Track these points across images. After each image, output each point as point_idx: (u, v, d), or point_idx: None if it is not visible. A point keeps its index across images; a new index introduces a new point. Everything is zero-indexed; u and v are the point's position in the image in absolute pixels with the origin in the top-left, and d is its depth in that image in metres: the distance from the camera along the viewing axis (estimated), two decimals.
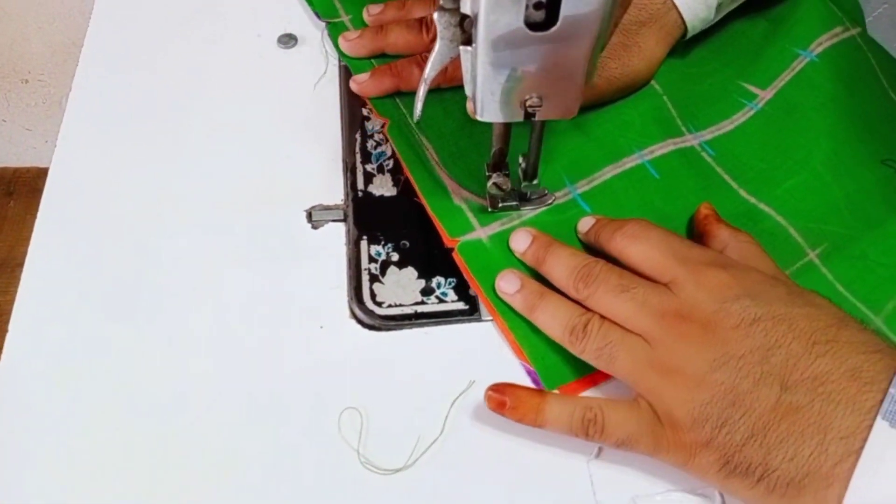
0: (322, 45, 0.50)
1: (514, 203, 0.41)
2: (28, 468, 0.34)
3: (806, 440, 0.29)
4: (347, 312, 0.39)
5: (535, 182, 0.40)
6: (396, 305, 0.39)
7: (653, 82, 0.46)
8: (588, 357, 0.35)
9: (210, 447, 0.35)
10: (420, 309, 0.39)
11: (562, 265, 0.37)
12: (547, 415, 0.34)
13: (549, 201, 0.41)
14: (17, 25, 0.97)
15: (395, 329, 0.38)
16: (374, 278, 0.40)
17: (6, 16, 0.96)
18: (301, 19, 0.51)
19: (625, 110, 0.45)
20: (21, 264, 0.40)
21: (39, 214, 0.42)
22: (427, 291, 0.39)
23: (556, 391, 0.36)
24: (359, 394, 0.36)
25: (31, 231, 0.41)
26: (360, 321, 0.39)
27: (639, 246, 0.36)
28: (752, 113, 0.45)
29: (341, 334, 0.38)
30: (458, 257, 0.40)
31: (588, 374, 0.36)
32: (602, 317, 0.35)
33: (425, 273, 0.40)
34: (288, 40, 0.50)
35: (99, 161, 0.44)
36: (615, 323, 0.34)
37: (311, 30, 0.51)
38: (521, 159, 0.39)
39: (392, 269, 0.40)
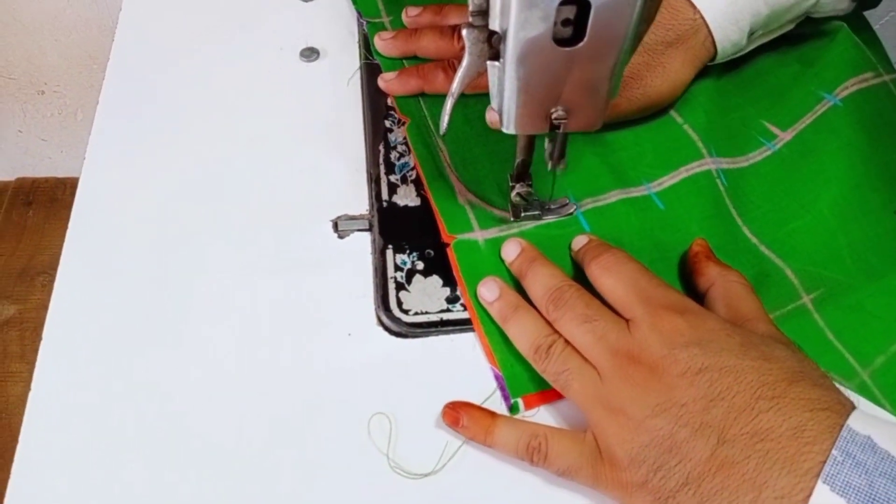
0: (343, 58, 0.51)
1: (537, 213, 0.42)
2: (63, 480, 0.35)
3: (740, 496, 0.29)
4: (374, 320, 0.40)
5: (561, 167, 0.39)
6: (422, 313, 0.40)
7: (673, 113, 0.46)
8: (548, 377, 0.36)
9: (242, 454, 0.36)
10: (445, 316, 0.40)
11: (539, 283, 0.38)
12: (496, 437, 0.35)
13: (571, 210, 0.42)
14: (34, 37, 0.99)
15: (421, 336, 0.39)
16: (400, 286, 0.40)
17: (23, 28, 0.98)
18: (322, 33, 0.53)
19: (640, 141, 0.45)
20: (41, 273, 0.41)
21: (70, 227, 0.43)
22: (452, 299, 0.40)
23: (513, 414, 0.37)
24: (387, 399, 0.37)
25: (49, 240, 0.42)
26: (387, 328, 0.39)
27: (609, 279, 0.36)
28: (768, 153, 0.45)
29: (369, 341, 0.39)
30: (451, 253, 0.41)
31: (552, 389, 0.37)
32: (567, 341, 0.36)
33: (450, 281, 0.41)
34: (310, 54, 0.51)
35: (127, 174, 0.45)
36: (577, 350, 0.35)
37: (333, 43, 0.52)
38: (546, 143, 0.39)
39: (418, 278, 0.41)
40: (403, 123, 0.47)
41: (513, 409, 0.37)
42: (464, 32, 0.33)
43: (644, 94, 0.43)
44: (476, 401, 0.37)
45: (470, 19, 0.32)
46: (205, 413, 0.37)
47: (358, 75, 0.50)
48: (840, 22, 0.49)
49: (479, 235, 0.42)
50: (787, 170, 0.44)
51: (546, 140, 0.40)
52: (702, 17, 0.42)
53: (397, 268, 0.41)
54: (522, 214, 0.42)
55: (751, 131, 0.46)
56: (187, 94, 0.49)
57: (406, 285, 0.41)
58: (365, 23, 0.52)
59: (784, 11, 0.44)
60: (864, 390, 0.36)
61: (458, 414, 0.36)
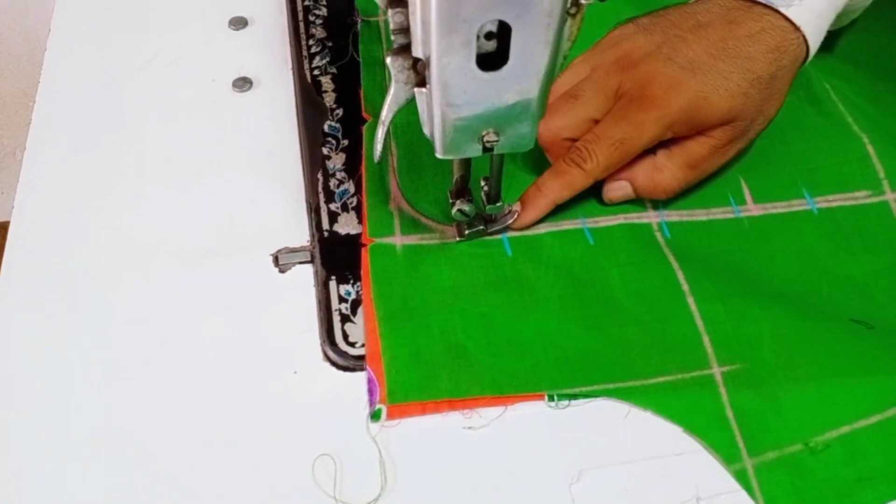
0: (276, 86, 0.50)
1: (481, 227, 0.42)
2: None
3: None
4: (321, 355, 0.39)
5: (498, 204, 0.40)
6: None
7: None
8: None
9: (186, 499, 0.34)
10: None
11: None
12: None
13: (514, 217, 0.42)
14: None
15: (366, 371, 0.38)
16: (345, 318, 0.40)
17: None
18: (254, 62, 0.52)
19: None
20: None
21: (2, 269, 0.41)
22: None
23: (374, 420, 0.36)
24: (334, 438, 0.36)
25: None
26: (333, 363, 0.39)
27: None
28: (730, 216, 0.44)
29: (315, 378, 0.38)
30: (365, 255, 0.41)
31: (430, 401, 0.37)
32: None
33: None
34: (243, 84, 0.50)
35: (59, 214, 0.44)
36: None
37: (266, 72, 0.51)
38: (483, 183, 0.40)
39: (362, 308, 0.40)
40: (363, 124, 0.47)
41: (375, 415, 0.36)
42: (388, 60, 0.32)
43: (766, 123, 0.43)
44: (419, 426, 0.36)
45: (392, 38, 0.32)
46: (147, 458, 0.35)
47: (293, 103, 0.49)
48: (862, 117, 0.47)
49: (399, 241, 0.42)
50: (739, 245, 0.43)
51: (482, 180, 0.40)
52: (803, 35, 0.41)
53: (341, 299, 0.40)
54: (467, 232, 0.42)
55: (724, 187, 0.45)
56: (119, 131, 0.48)
57: (351, 317, 0.40)
58: (359, 21, 0.52)
59: (852, 11, 0.46)
60: (742, 478, 0.35)
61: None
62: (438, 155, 0.35)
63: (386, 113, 0.34)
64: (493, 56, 0.30)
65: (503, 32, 0.29)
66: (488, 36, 0.30)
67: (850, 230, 0.43)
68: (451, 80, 0.31)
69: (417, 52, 0.31)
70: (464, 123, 0.33)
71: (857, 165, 0.45)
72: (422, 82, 0.33)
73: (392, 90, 0.33)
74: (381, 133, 0.35)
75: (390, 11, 0.30)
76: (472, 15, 0.28)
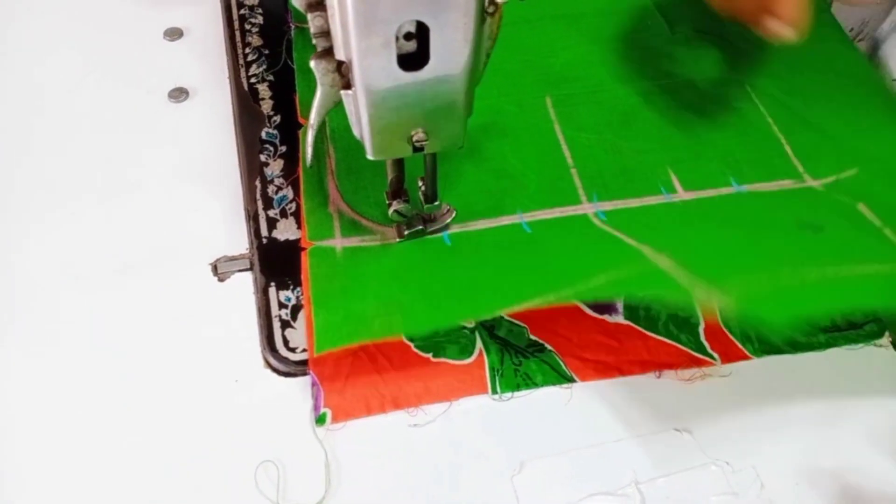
0: (213, 96, 0.50)
1: (420, 227, 0.42)
2: None
3: None
4: (262, 362, 0.39)
5: (436, 203, 0.41)
6: None
7: (566, 153, 0.47)
8: None
9: None
10: None
11: None
12: None
13: (452, 215, 0.42)
14: None
15: (310, 375, 0.38)
16: (285, 324, 0.40)
17: None
18: (190, 72, 0.51)
19: (527, 172, 0.46)
20: None
21: None
22: None
23: (320, 425, 0.37)
24: (277, 444, 0.36)
25: None
26: (275, 370, 0.38)
27: None
28: (663, 200, 0.45)
29: (257, 386, 0.38)
30: (304, 258, 0.41)
31: (375, 401, 0.37)
32: None
33: None
34: (178, 94, 0.50)
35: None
36: None
37: (202, 82, 0.51)
38: (420, 182, 0.40)
39: (303, 314, 0.40)
40: (301, 126, 0.47)
41: (320, 419, 0.37)
42: (311, 64, 0.32)
43: None
44: (364, 428, 0.37)
45: (314, 41, 0.32)
46: (86, 474, 0.35)
47: (230, 111, 0.49)
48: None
49: (339, 243, 0.42)
50: (675, 222, 0.44)
51: (419, 180, 0.40)
52: None
53: (281, 305, 0.40)
54: (406, 232, 0.42)
55: (654, 178, 0.46)
56: (55, 143, 0.47)
57: (292, 322, 0.40)
58: (293, 27, 0.52)
59: None
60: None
61: None
62: (369, 156, 0.35)
63: (314, 117, 0.35)
64: (415, 56, 0.31)
65: (422, 33, 0.30)
66: (407, 36, 0.30)
67: (778, 203, 0.45)
68: (374, 81, 0.31)
69: (340, 54, 0.31)
70: (391, 124, 0.33)
71: (779, 161, 0.47)
72: (347, 85, 0.33)
73: (318, 94, 0.34)
74: (310, 137, 0.36)
75: (310, 15, 0.30)
76: (388, 16, 0.28)
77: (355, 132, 0.35)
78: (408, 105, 0.33)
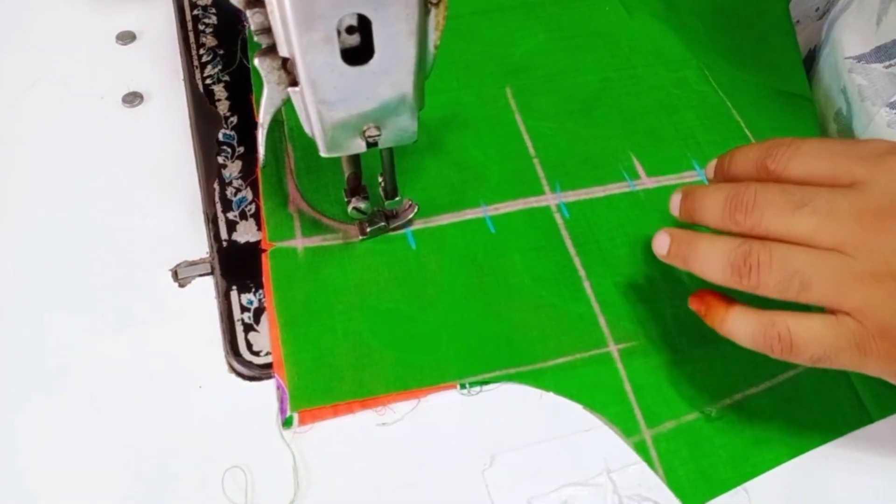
0: (168, 99, 0.49)
1: (383, 224, 0.42)
2: None
3: None
4: (226, 367, 0.38)
5: (397, 199, 0.40)
6: None
7: (527, 143, 0.46)
8: (768, 291, 0.30)
9: None
10: None
11: (709, 203, 0.32)
12: (729, 326, 0.32)
13: (415, 210, 0.42)
14: None
15: (274, 377, 0.38)
16: (248, 328, 0.39)
17: None
18: (145, 76, 0.50)
19: (489, 164, 0.45)
20: None
21: None
22: None
23: (286, 427, 0.36)
24: (243, 449, 0.35)
25: None
26: (239, 374, 0.38)
27: (799, 162, 0.31)
28: (626, 189, 0.44)
29: (221, 391, 0.37)
30: (265, 260, 0.41)
31: (338, 403, 0.36)
32: (762, 240, 0.31)
33: None
34: (133, 98, 0.49)
35: None
36: (789, 243, 0.30)
37: (157, 85, 0.50)
38: (379, 178, 0.39)
39: (266, 316, 0.39)
40: (256, 126, 0.45)
41: (287, 422, 0.36)
42: (255, 62, 0.32)
43: None
44: (332, 429, 0.36)
45: (256, 38, 0.31)
46: (55, 483, 0.34)
47: (186, 114, 0.48)
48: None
49: (300, 243, 0.41)
50: (637, 217, 0.43)
51: (378, 176, 0.39)
52: None
53: (244, 308, 0.40)
54: (369, 230, 0.42)
55: (617, 164, 0.45)
56: (8, 152, 0.46)
57: (255, 326, 0.39)
58: (247, 26, 0.50)
59: None
60: (641, 449, 0.36)
61: (700, 304, 0.33)
62: (322, 154, 0.35)
63: (263, 115, 0.34)
64: (359, 50, 0.30)
65: (364, 26, 0.29)
66: (350, 30, 0.29)
67: None
68: (320, 77, 0.30)
69: (283, 51, 0.30)
70: (341, 120, 0.33)
71: (741, 142, 0.46)
72: (294, 81, 0.32)
73: (265, 92, 0.33)
74: (261, 136, 0.35)
75: (248, 12, 0.30)
76: (327, 10, 0.28)
77: (306, 129, 0.35)
78: (356, 100, 0.32)
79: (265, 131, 0.35)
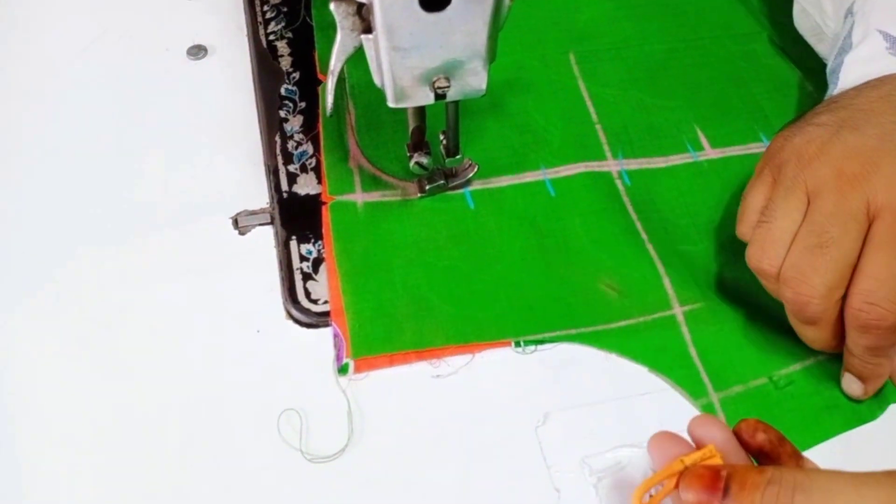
0: (232, 53, 0.50)
1: (442, 182, 0.42)
2: None
3: None
4: (283, 314, 0.39)
5: (458, 157, 0.40)
6: None
7: (590, 109, 0.46)
8: None
9: (152, 459, 0.34)
10: None
11: None
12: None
13: (475, 170, 0.42)
14: None
15: (332, 326, 0.38)
16: (307, 276, 0.39)
17: None
18: (209, 30, 0.51)
19: (550, 128, 0.45)
20: None
21: None
22: None
23: (342, 374, 0.36)
24: (300, 393, 0.36)
25: None
26: (296, 321, 0.38)
27: None
28: (689, 160, 0.44)
29: (279, 336, 0.38)
30: (325, 213, 0.41)
31: (398, 353, 0.37)
32: None
33: None
34: (197, 51, 0.50)
35: (20, 189, 0.43)
36: None
37: (220, 39, 0.50)
38: (441, 136, 0.39)
39: (325, 266, 0.40)
40: (320, 83, 0.47)
41: (342, 369, 0.36)
42: (331, 6, 0.32)
43: None
44: (387, 378, 0.36)
45: None
46: (115, 423, 0.35)
47: (249, 68, 0.49)
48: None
49: (360, 198, 0.42)
50: (699, 186, 0.43)
51: (440, 134, 0.39)
52: None
53: (302, 258, 0.40)
54: (428, 187, 0.42)
55: (681, 135, 0.45)
56: (75, 103, 0.47)
57: (313, 274, 0.40)
58: None
59: None
60: (709, 411, 0.35)
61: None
62: (390, 104, 0.35)
63: (334, 62, 0.34)
64: (436, 2, 0.30)
65: None
66: None
67: None
68: (396, 22, 0.30)
69: None
70: (413, 69, 0.33)
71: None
72: (368, 29, 0.32)
73: (339, 38, 0.33)
74: (330, 84, 0.35)
75: None
76: None
77: (376, 80, 0.35)
78: (429, 48, 0.32)
79: (335, 79, 0.35)
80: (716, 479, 0.26)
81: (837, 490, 0.24)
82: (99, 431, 0.35)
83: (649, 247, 0.40)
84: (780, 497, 0.25)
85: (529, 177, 0.43)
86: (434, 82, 0.34)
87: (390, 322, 0.37)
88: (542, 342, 0.38)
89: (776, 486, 0.25)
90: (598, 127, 0.45)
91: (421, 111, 0.38)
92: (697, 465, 0.27)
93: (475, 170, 0.42)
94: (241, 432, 0.35)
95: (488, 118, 0.46)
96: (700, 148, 0.45)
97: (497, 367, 0.37)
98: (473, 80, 0.34)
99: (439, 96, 0.35)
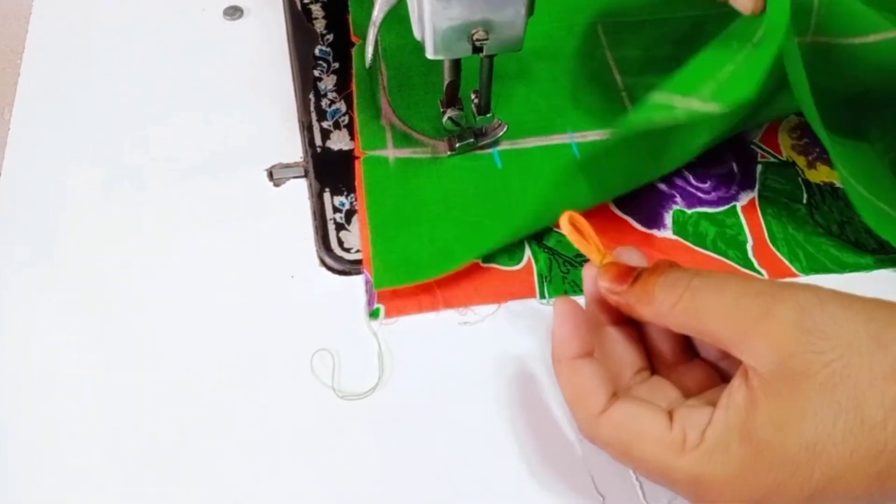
0: (267, 14, 0.51)
1: (471, 140, 0.43)
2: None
3: None
4: (317, 261, 0.40)
5: (489, 115, 0.41)
6: None
7: (616, 77, 0.47)
8: None
9: (192, 400, 0.36)
10: None
11: None
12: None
13: (503, 130, 0.43)
14: None
15: (363, 273, 0.39)
16: (339, 227, 0.41)
17: None
18: None
19: (577, 94, 0.46)
20: None
21: None
22: None
23: (374, 318, 0.38)
24: (333, 335, 0.37)
25: None
26: (329, 268, 0.40)
27: None
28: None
29: (312, 281, 0.39)
30: (358, 166, 0.42)
31: (427, 299, 0.38)
32: None
33: None
34: (233, 12, 0.51)
35: (57, 142, 0.45)
36: None
37: (256, 1, 0.52)
38: (473, 95, 0.41)
39: (357, 217, 0.41)
40: (353, 45, 0.48)
41: (374, 314, 0.38)
42: None
43: None
44: (416, 324, 0.38)
45: None
46: (152, 363, 0.37)
47: (284, 30, 0.50)
48: None
49: (391, 153, 0.43)
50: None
51: (472, 93, 0.41)
52: None
53: (336, 209, 0.41)
54: (458, 145, 0.43)
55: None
56: (110, 64, 0.49)
57: (346, 225, 0.41)
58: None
59: None
60: None
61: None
62: (429, 55, 0.36)
63: (377, 13, 0.35)
64: None
65: None
66: None
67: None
68: None
69: None
70: (453, 20, 0.34)
71: None
72: None
73: None
74: (371, 35, 0.36)
75: None
76: None
77: (416, 33, 0.36)
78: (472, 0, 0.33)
79: (377, 30, 0.36)
80: (629, 272, 0.30)
81: (726, 278, 0.28)
82: (138, 369, 0.36)
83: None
84: (680, 277, 0.29)
85: (557, 139, 0.44)
86: (472, 34, 0.35)
87: (414, 269, 0.39)
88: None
89: (679, 271, 0.29)
90: (623, 94, 0.46)
91: (456, 66, 0.39)
92: (616, 263, 0.31)
93: (504, 129, 0.43)
94: (277, 370, 0.36)
95: (517, 84, 0.47)
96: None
97: (521, 316, 0.38)
98: (511, 32, 0.35)
99: (477, 49, 0.36)
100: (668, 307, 0.28)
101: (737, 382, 0.27)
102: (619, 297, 0.30)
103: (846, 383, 0.25)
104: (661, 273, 0.29)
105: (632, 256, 0.33)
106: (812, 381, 0.25)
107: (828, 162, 0.44)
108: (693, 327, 0.28)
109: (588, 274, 0.32)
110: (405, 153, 0.43)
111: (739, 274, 0.28)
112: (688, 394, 0.31)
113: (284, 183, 0.43)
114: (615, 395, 0.29)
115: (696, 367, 0.32)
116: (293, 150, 0.44)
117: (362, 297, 0.38)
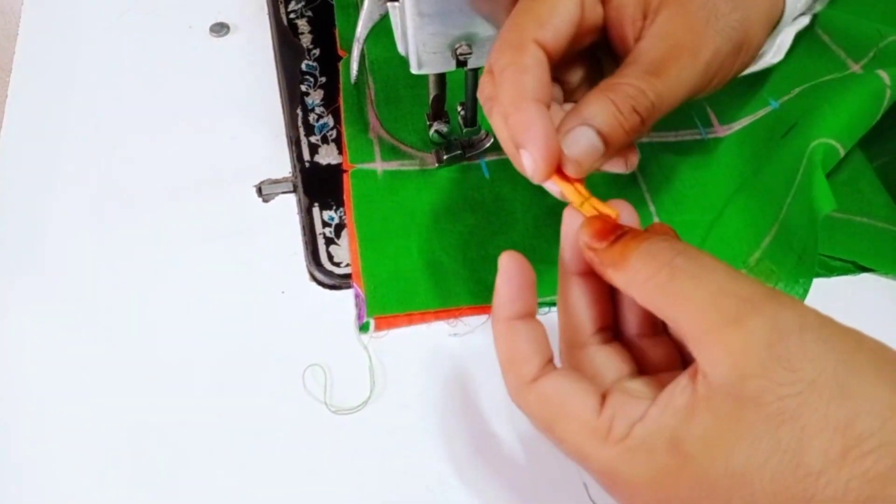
0: (254, 31, 0.51)
1: (459, 152, 0.43)
2: None
3: None
4: (307, 276, 0.40)
5: (475, 128, 0.41)
6: None
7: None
8: None
9: (185, 418, 0.36)
10: None
11: None
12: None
13: (489, 143, 0.43)
14: None
15: (353, 286, 0.40)
16: (329, 241, 0.41)
17: None
18: (231, 8, 0.52)
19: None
20: None
21: None
22: None
23: (363, 332, 0.38)
24: (324, 350, 0.37)
25: None
26: (320, 282, 0.40)
27: None
28: (697, 138, 0.45)
29: (302, 297, 0.39)
30: (346, 180, 0.42)
31: (416, 312, 0.38)
32: None
33: None
34: (220, 29, 0.51)
35: (45, 162, 0.45)
36: None
37: (243, 17, 0.52)
38: (459, 107, 0.41)
39: (346, 231, 0.41)
40: (340, 59, 0.48)
41: (363, 327, 0.38)
42: None
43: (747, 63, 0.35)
44: (406, 336, 0.38)
45: None
46: (142, 380, 0.37)
47: (271, 45, 0.50)
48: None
49: (379, 166, 0.43)
50: (705, 161, 0.44)
51: (458, 105, 0.41)
52: None
53: (325, 224, 0.42)
54: (445, 157, 0.43)
55: (690, 110, 0.46)
56: (98, 80, 0.49)
57: (336, 239, 0.41)
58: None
59: None
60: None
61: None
62: (413, 70, 0.36)
63: (360, 30, 0.36)
64: None
65: None
66: None
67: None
68: None
69: None
70: (437, 35, 0.34)
71: (819, 60, 0.46)
72: None
73: (366, 6, 0.35)
74: (356, 52, 0.37)
75: None
76: None
77: (400, 48, 0.36)
78: (454, 14, 0.33)
79: (361, 46, 0.36)
80: (612, 231, 0.27)
81: (712, 267, 0.25)
82: (128, 387, 0.36)
83: (656, 219, 0.42)
84: (663, 250, 0.26)
85: None
86: (456, 49, 0.35)
87: (406, 285, 0.39)
88: (552, 304, 0.39)
89: (664, 243, 0.26)
90: None
91: (441, 80, 0.39)
92: (603, 216, 0.28)
93: (491, 140, 0.43)
94: (269, 386, 0.36)
95: None
96: (709, 125, 0.46)
97: None
98: None
99: (461, 63, 0.36)
100: (641, 279, 0.26)
101: (683, 382, 0.24)
102: (594, 256, 0.27)
103: (794, 423, 0.22)
104: (644, 240, 0.26)
105: (623, 212, 0.29)
106: (759, 412, 0.23)
107: None
108: (660, 309, 0.25)
109: (568, 216, 0.30)
110: (393, 166, 0.43)
111: (730, 266, 0.25)
112: (644, 371, 0.29)
113: (273, 199, 0.43)
114: (550, 363, 0.28)
115: (660, 343, 0.29)
116: (282, 166, 0.44)
117: (352, 311, 0.39)
